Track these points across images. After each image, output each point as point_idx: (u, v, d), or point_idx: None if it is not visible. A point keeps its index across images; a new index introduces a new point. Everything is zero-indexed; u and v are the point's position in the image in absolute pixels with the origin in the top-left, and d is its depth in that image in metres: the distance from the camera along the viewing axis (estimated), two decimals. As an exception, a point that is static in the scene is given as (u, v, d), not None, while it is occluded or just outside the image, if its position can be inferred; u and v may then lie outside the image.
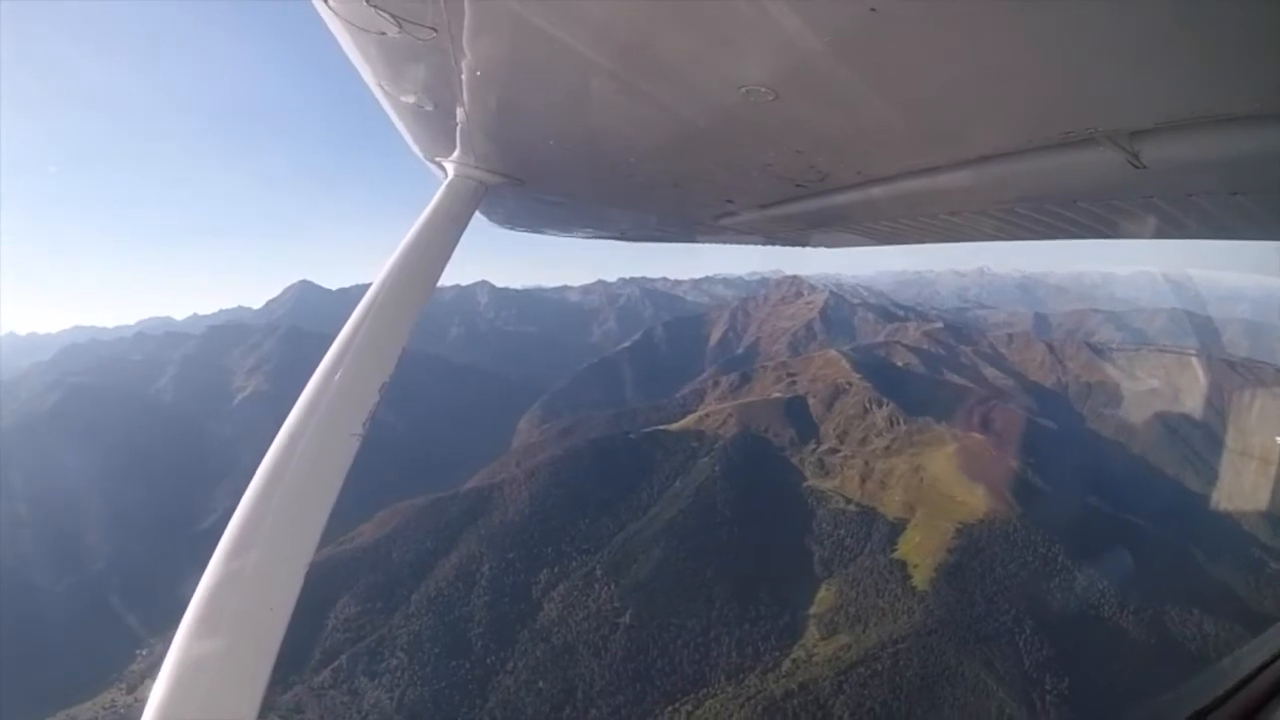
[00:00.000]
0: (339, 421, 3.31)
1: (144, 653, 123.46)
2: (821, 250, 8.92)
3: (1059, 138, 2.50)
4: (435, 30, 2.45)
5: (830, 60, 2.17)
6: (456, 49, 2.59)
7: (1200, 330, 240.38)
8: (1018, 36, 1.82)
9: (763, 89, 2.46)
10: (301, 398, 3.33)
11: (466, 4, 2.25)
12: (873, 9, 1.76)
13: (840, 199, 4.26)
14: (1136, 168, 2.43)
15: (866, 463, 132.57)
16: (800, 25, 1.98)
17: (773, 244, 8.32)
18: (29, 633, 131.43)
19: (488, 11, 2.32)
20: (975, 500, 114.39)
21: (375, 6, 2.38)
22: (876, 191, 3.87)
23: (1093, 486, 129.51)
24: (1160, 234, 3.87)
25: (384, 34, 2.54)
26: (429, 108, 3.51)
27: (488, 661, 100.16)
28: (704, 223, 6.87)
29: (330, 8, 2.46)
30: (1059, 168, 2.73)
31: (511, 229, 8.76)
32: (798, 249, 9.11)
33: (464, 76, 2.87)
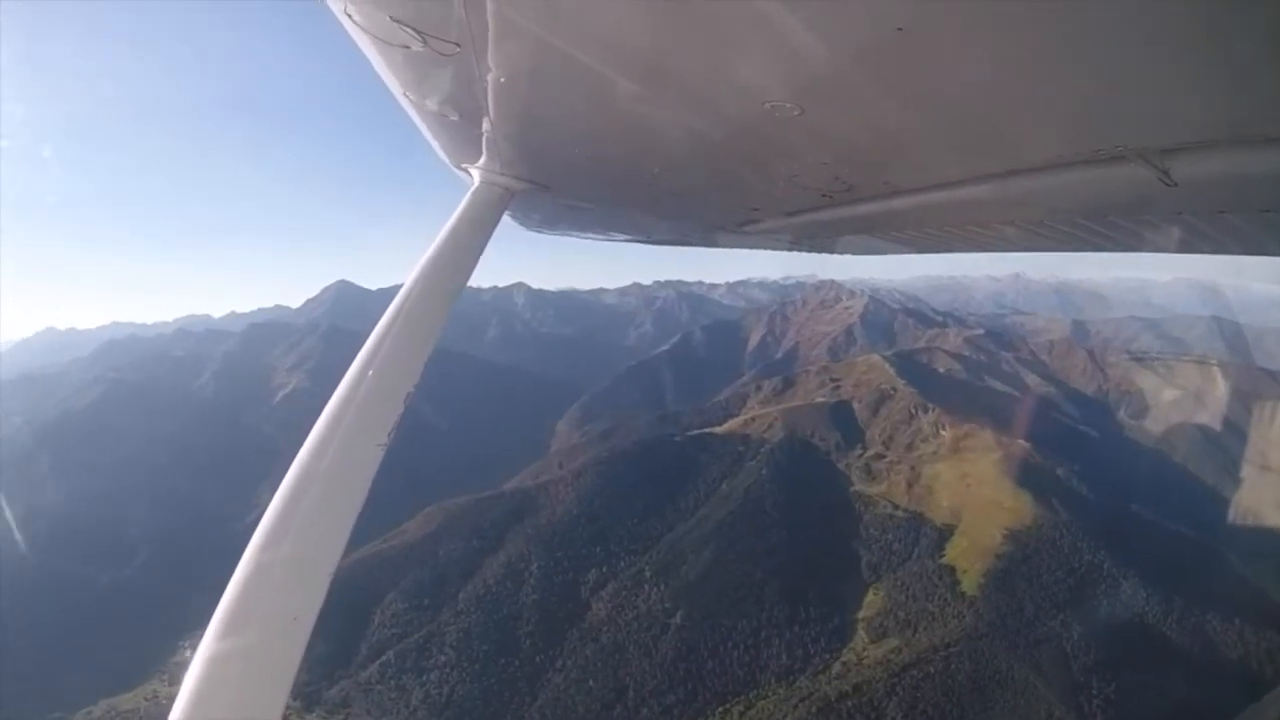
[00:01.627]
0: (364, 432, 3.38)
1: (185, 645, 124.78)
2: (851, 255, 8.77)
3: (1089, 154, 2.56)
4: (459, 45, 2.53)
5: (856, 77, 2.18)
6: (480, 63, 2.66)
7: (1238, 340, 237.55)
8: (1049, 56, 1.80)
9: (788, 104, 2.51)
10: (327, 408, 3.41)
11: (490, 20, 2.24)
12: (899, 29, 1.73)
13: (867, 209, 4.30)
14: (1167, 185, 2.49)
15: (913, 468, 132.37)
16: (825, 44, 1.97)
17: (798, 250, 8.39)
18: (70, 624, 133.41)
19: (511, 29, 2.33)
20: (1022, 506, 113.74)
21: (399, 22, 2.41)
22: (903, 202, 3.93)
23: (1136, 494, 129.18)
24: (1190, 249, 3.93)
25: (408, 47, 2.63)
26: (454, 117, 3.63)
27: (537, 660, 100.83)
28: (729, 229, 6.93)
29: (355, 21, 2.55)
30: (1088, 183, 2.81)
31: (540, 233, 8.97)
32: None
33: (489, 89, 2.95)
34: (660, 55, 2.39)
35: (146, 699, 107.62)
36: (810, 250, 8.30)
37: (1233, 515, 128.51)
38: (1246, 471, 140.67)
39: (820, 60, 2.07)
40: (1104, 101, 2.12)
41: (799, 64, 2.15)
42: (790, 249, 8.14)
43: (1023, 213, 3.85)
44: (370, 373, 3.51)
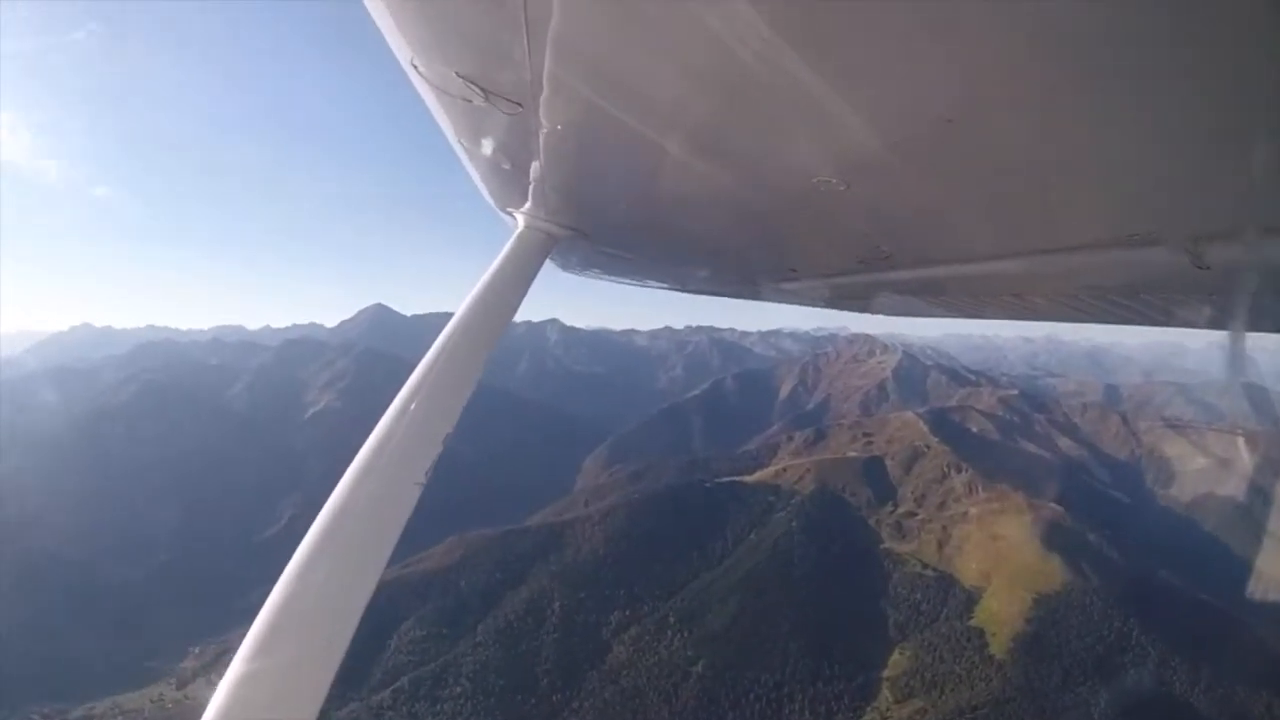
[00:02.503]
0: (404, 470, 3.43)
1: (196, 650, 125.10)
2: (886, 315, 8.30)
3: (1124, 238, 2.59)
4: (521, 105, 2.60)
5: (904, 160, 2.25)
6: (536, 119, 2.73)
7: (1269, 408, 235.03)
8: (1090, 148, 1.87)
9: (834, 180, 2.57)
10: (368, 443, 3.45)
11: (546, 79, 2.30)
12: (949, 120, 1.81)
13: (903, 275, 4.35)
14: (1200, 268, 2.48)
15: (944, 528, 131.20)
16: (877, 129, 2.05)
17: (834, 308, 8.02)
18: (83, 619, 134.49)
19: (568, 90, 2.39)
20: (1052, 571, 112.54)
21: (464, 78, 2.49)
22: (939, 272, 4.01)
23: (1166, 562, 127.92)
24: (1221, 326, 3.85)
25: (469, 101, 2.70)
26: (505, 166, 3.69)
27: (554, 699, 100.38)
28: (765, 285, 6.99)
29: (420, 72, 2.61)
30: (1121, 263, 2.84)
31: (576, 274, 8.95)
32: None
33: (542, 142, 3.02)
34: (713, 126, 2.46)
35: (152, 700, 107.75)
36: (846, 309, 8.04)
37: (1259, 587, 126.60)
38: (1271, 543, 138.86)
39: (871, 144, 2.14)
40: (1141, 191, 2.19)
41: (851, 145, 2.22)
42: (826, 307, 7.83)
43: (1056, 287, 3.90)
44: (412, 408, 3.57)
